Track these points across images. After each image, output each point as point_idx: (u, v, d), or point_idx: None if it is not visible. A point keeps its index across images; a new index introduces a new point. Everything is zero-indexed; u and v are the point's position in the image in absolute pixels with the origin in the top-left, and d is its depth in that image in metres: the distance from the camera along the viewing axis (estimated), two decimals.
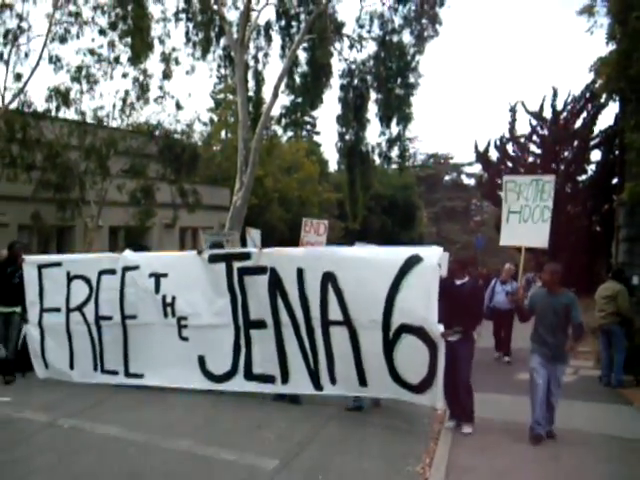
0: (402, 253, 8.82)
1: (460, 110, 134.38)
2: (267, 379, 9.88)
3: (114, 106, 23.99)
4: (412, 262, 8.60)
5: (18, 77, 20.84)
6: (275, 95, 25.54)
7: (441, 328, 8.31)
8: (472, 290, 9.06)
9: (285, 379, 9.75)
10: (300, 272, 9.35)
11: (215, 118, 45.27)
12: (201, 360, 10.35)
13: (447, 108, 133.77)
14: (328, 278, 9.14)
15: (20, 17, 20.96)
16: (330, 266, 9.16)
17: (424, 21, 26.54)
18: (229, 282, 10.04)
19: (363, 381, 9.13)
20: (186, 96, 36.90)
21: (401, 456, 7.76)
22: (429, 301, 8.39)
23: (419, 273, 8.54)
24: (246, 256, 10.05)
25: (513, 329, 15.31)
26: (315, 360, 9.47)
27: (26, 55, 20.91)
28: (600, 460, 7.76)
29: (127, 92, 23.99)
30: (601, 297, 12.53)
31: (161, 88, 24.74)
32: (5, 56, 20.79)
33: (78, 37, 21.98)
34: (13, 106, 21.18)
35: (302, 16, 27.13)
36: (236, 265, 9.97)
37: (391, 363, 8.80)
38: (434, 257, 8.58)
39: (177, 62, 24.74)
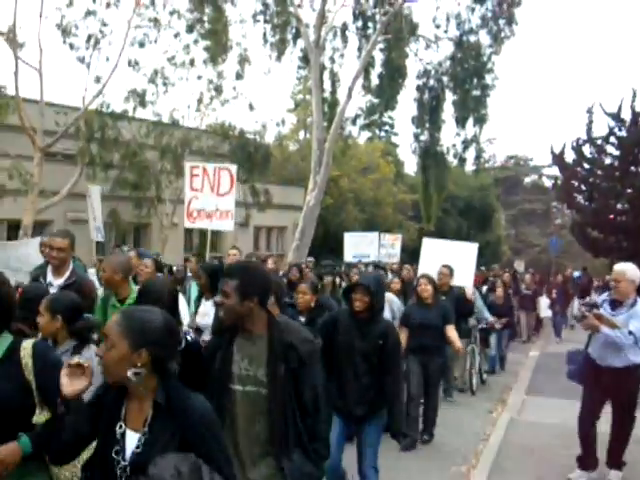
0: None
1: (540, 111, 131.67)
2: None
3: (189, 107, 24.50)
4: None
5: (97, 80, 21.38)
6: (349, 96, 25.65)
7: None
8: None
9: None
10: None
11: (294, 118, 45.52)
12: None
13: (527, 109, 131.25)
14: None
15: (102, 23, 21.49)
16: None
17: (501, 21, 26.22)
18: None
19: None
20: (262, 97, 37.50)
21: None
22: None
23: None
24: None
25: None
26: None
27: (107, 59, 21.41)
28: None
29: (202, 93, 24.44)
30: None
31: (235, 89, 25.06)
32: (87, 59, 21.35)
33: (156, 41, 22.45)
34: (92, 107, 21.74)
35: (377, 17, 27.07)
36: None
37: None
38: None
39: (249, 62, 24.93)
